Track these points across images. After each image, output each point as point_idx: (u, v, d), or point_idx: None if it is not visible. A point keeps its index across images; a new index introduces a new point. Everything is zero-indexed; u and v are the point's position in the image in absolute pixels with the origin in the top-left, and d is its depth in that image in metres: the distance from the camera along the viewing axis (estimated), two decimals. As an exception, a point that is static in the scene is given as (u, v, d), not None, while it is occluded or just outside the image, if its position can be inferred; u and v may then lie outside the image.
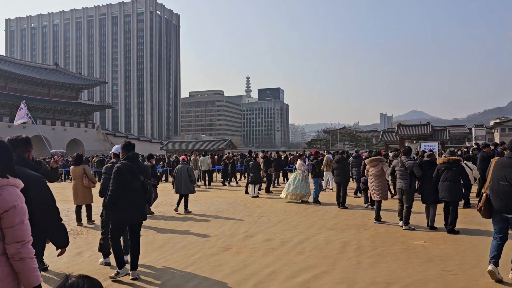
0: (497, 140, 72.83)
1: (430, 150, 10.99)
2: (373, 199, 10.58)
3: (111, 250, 6.20)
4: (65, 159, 29.98)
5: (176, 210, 12.40)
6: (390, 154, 17.36)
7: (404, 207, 9.22)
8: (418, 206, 10.50)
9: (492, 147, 13.62)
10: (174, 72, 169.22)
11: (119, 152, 6.40)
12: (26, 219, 2.51)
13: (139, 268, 6.15)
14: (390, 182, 12.01)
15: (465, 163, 11.86)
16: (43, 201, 3.26)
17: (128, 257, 6.31)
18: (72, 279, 1.68)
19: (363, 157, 14.51)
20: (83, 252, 7.71)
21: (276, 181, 20.34)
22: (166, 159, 29.92)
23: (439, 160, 9.20)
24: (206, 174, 21.67)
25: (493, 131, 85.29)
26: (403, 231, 8.92)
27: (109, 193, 5.86)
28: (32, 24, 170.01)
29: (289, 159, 25.61)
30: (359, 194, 15.00)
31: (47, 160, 23.86)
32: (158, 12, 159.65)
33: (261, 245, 7.92)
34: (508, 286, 5.39)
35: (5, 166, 2.53)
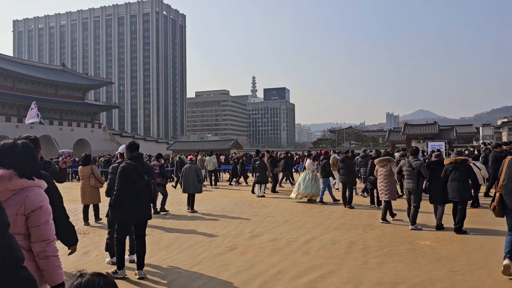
0: (505, 139, 72.21)
1: (438, 150, 10.93)
2: (380, 199, 10.53)
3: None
4: (72, 159, 30.18)
5: (189, 210, 12.42)
6: (396, 154, 17.27)
7: (412, 207, 9.19)
8: (425, 206, 10.45)
9: (505, 147, 13.53)
10: (180, 72, 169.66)
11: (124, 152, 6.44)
12: (50, 219, 2.61)
13: (145, 268, 6.18)
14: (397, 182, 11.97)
15: (473, 163, 11.78)
16: (50, 199, 3.29)
17: (134, 257, 6.35)
18: (87, 276, 1.68)
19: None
20: (90, 251, 7.76)
21: (283, 181, 20.51)
22: (170, 159, 30.00)
23: (446, 161, 9.14)
24: (212, 174, 21.75)
25: (501, 130, 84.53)
26: (410, 231, 8.88)
27: (114, 193, 5.91)
28: (39, 25, 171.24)
29: (295, 158, 25.62)
30: (365, 194, 14.95)
31: (54, 160, 24.03)
32: (164, 13, 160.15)
33: (267, 245, 7.92)
34: (516, 287, 5.35)
35: (30, 168, 2.59)
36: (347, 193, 12.69)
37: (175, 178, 21.37)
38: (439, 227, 8.98)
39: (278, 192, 17.40)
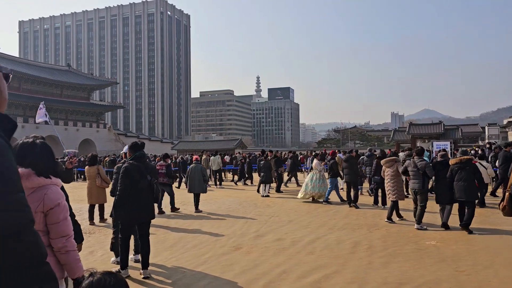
0: (511, 138, 71.75)
1: (443, 150, 10.88)
2: (388, 199, 10.49)
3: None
4: (77, 159, 30.33)
5: (196, 211, 12.43)
6: (401, 154, 17.20)
7: (419, 206, 9.17)
8: (431, 206, 10.40)
9: None
10: (184, 72, 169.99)
11: (129, 152, 6.47)
12: (68, 215, 2.72)
13: (150, 267, 6.20)
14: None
15: (479, 162, 11.73)
16: None
17: (139, 256, 6.38)
18: (98, 275, 1.69)
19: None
20: (95, 251, 7.80)
21: (289, 180, 20.64)
22: (173, 159, 30.06)
23: (452, 161, 9.14)
24: (217, 174, 21.79)
25: (507, 129, 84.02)
26: (415, 231, 8.85)
27: (117, 193, 5.96)
28: (45, 26, 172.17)
29: (299, 158, 25.61)
30: (371, 193, 14.91)
31: (59, 160, 24.14)
32: (169, 13, 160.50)
33: (271, 244, 7.92)
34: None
35: (48, 167, 2.70)
36: (351, 193, 12.69)
37: (177, 178, 21.42)
38: (445, 224, 8.95)
39: (282, 192, 17.39)
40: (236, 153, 33.77)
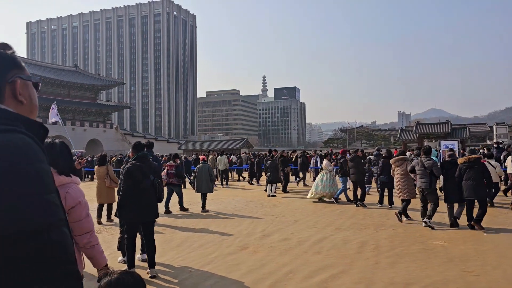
0: (519, 138, 71.02)
1: (451, 149, 10.82)
2: (399, 198, 10.43)
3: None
4: (85, 159, 30.53)
5: (203, 210, 12.46)
6: (407, 153, 17.10)
7: (432, 204, 9.13)
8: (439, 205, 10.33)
9: None
10: (190, 72, 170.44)
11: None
12: (89, 211, 2.84)
13: (157, 267, 6.22)
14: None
15: (487, 161, 11.65)
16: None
17: (146, 255, 6.41)
18: (116, 275, 1.68)
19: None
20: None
21: (304, 179, 20.90)
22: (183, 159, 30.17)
23: (460, 160, 9.11)
24: (223, 174, 21.84)
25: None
26: (422, 231, 8.80)
27: (120, 193, 6.01)
28: (52, 27, 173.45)
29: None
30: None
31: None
32: (175, 13, 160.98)
33: (278, 244, 7.91)
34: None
35: (68, 166, 2.80)
36: (358, 192, 12.66)
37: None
38: (455, 220, 8.93)
39: (289, 192, 17.38)
40: (242, 153, 33.79)
